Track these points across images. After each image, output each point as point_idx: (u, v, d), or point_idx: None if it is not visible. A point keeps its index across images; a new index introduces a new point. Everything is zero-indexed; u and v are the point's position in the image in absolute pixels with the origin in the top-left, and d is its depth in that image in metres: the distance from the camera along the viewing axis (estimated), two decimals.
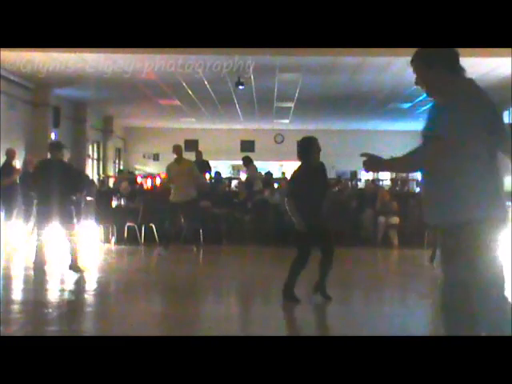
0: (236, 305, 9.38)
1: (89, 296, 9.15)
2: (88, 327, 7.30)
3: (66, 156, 11.92)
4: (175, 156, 14.01)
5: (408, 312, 8.58)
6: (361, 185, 24.95)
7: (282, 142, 31.64)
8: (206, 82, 18.66)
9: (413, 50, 4.66)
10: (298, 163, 9.09)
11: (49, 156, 11.38)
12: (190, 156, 17.24)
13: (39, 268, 10.66)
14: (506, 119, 22.13)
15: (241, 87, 18.06)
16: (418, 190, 23.90)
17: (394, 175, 29.62)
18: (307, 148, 8.87)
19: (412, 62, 4.57)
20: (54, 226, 10.94)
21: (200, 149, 22.16)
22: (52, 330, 7.05)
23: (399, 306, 8.97)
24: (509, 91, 17.95)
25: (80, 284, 10.10)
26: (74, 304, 8.61)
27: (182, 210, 13.79)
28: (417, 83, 4.60)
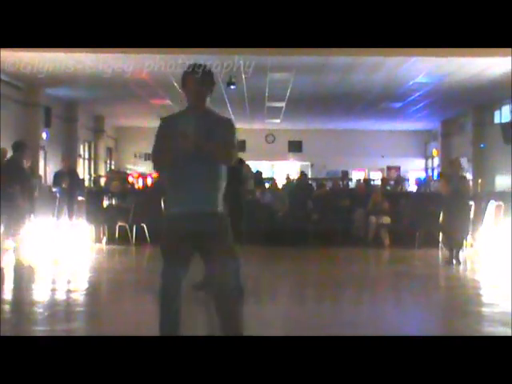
0: None
1: (80, 296, 9.12)
2: (79, 327, 7.28)
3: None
4: None
5: (399, 311, 8.59)
6: (352, 184, 24.99)
7: (273, 141, 31.67)
8: None
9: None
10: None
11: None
12: None
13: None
14: (497, 119, 22.21)
15: (232, 87, 18.06)
16: (410, 189, 24.02)
17: (384, 175, 29.71)
18: None
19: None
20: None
21: None
22: (42, 329, 7.02)
23: (390, 306, 8.97)
24: (499, 91, 18.03)
25: (71, 284, 10.10)
26: (64, 304, 8.59)
27: None
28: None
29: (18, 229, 11.10)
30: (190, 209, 4.91)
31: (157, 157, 5.05)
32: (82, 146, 26.03)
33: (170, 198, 5.09)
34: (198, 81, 5.04)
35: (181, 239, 4.96)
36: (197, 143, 4.82)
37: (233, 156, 5.01)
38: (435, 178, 26.75)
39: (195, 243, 4.97)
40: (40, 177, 17.92)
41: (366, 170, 31.90)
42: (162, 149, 4.99)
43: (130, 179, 24.06)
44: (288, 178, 22.48)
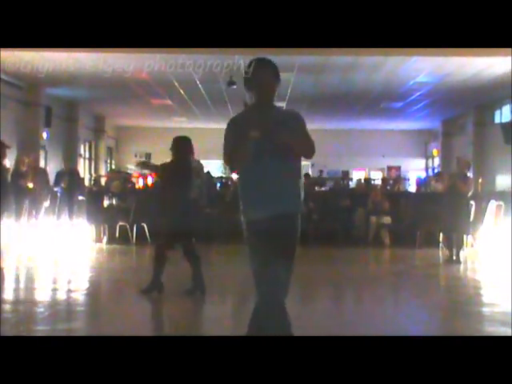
0: (227, 304, 9.37)
1: (80, 295, 9.13)
2: (79, 327, 7.28)
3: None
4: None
5: (400, 311, 8.59)
6: (352, 184, 24.98)
7: None
8: (197, 82, 18.64)
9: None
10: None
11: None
12: None
13: None
14: (497, 119, 22.20)
15: (233, 87, 18.06)
16: (410, 189, 24.00)
17: (385, 175, 29.71)
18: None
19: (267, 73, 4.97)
20: None
21: None
22: (43, 329, 7.03)
23: (391, 306, 8.97)
24: (500, 91, 18.01)
25: (71, 283, 10.10)
26: (65, 303, 8.60)
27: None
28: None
29: None
30: (275, 211, 4.68)
31: (232, 157, 4.76)
32: (82, 146, 26.02)
33: (250, 199, 4.80)
34: (267, 76, 4.94)
35: (269, 242, 4.71)
36: (277, 137, 4.67)
37: (313, 148, 4.83)
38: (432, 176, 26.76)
39: (279, 244, 4.73)
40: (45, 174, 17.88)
41: (367, 170, 31.89)
42: (236, 148, 4.71)
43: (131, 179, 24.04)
44: None
